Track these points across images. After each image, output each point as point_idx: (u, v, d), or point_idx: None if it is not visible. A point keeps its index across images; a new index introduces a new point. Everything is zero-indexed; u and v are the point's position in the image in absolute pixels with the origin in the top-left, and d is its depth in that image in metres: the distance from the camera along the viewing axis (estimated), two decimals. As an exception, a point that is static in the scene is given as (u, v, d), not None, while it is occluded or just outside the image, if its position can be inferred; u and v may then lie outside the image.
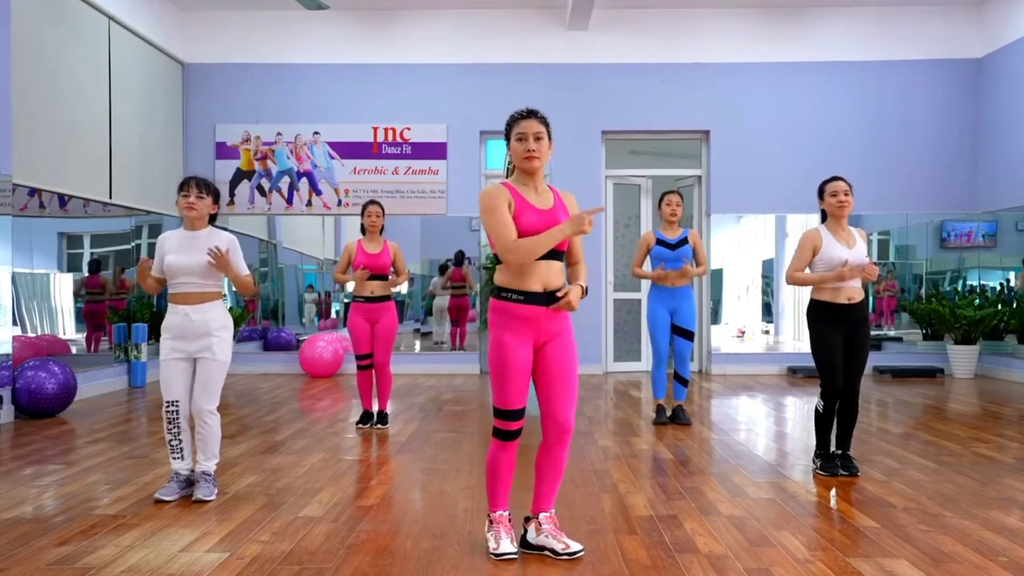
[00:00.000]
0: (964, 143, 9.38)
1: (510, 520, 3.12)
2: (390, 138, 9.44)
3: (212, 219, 4.02)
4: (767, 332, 10.54)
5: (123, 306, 8.22)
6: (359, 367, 5.75)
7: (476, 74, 9.43)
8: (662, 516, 3.59)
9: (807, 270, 4.33)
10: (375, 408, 5.93)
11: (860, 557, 3.04)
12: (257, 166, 9.46)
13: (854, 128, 9.37)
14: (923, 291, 9.70)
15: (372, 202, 5.74)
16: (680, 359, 5.98)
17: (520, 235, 2.89)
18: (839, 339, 4.24)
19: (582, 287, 3.00)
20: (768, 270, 10.45)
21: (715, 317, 9.79)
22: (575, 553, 3.00)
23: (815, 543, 3.21)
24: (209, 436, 3.91)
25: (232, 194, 9.41)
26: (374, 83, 9.46)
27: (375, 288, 5.66)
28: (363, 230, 5.74)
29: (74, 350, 7.54)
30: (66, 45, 7.29)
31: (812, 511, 3.69)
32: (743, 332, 10.38)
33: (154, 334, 8.08)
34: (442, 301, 9.88)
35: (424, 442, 5.29)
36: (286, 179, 9.47)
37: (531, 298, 2.92)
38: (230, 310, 4.10)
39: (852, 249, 4.24)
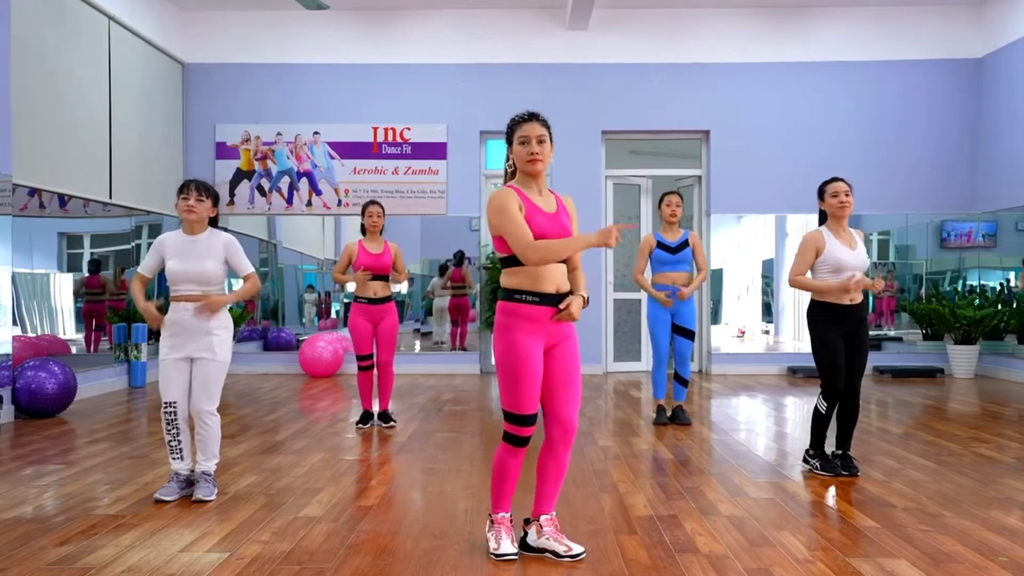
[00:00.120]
0: (964, 143, 9.38)
1: (511, 522, 3.12)
2: (390, 138, 9.44)
3: (212, 222, 4.01)
4: (767, 332, 10.54)
5: (123, 306, 8.22)
6: (360, 368, 5.76)
7: (476, 74, 9.43)
8: (662, 516, 3.59)
9: (808, 273, 4.32)
10: (375, 408, 5.94)
11: (860, 557, 3.04)
12: (257, 166, 9.46)
13: (854, 128, 9.37)
14: (923, 291, 9.71)
15: (373, 202, 5.75)
16: (680, 359, 5.98)
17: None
18: (840, 340, 4.24)
19: (583, 297, 2.99)
20: (768, 270, 10.46)
21: (715, 317, 9.79)
22: (577, 555, 3.00)
23: (815, 543, 3.21)
24: (209, 436, 3.91)
25: (232, 194, 9.42)
26: (374, 83, 9.46)
27: (377, 289, 5.66)
28: (363, 230, 5.74)
29: (74, 350, 7.54)
30: (66, 45, 7.29)
31: (812, 511, 3.69)
32: (743, 332, 10.38)
33: (154, 334, 8.08)
34: (442, 301, 9.89)
35: (424, 442, 5.29)
36: (286, 179, 9.47)
37: (545, 299, 2.92)
38: (230, 310, 4.09)
39: (854, 251, 4.24)
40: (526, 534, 3.11)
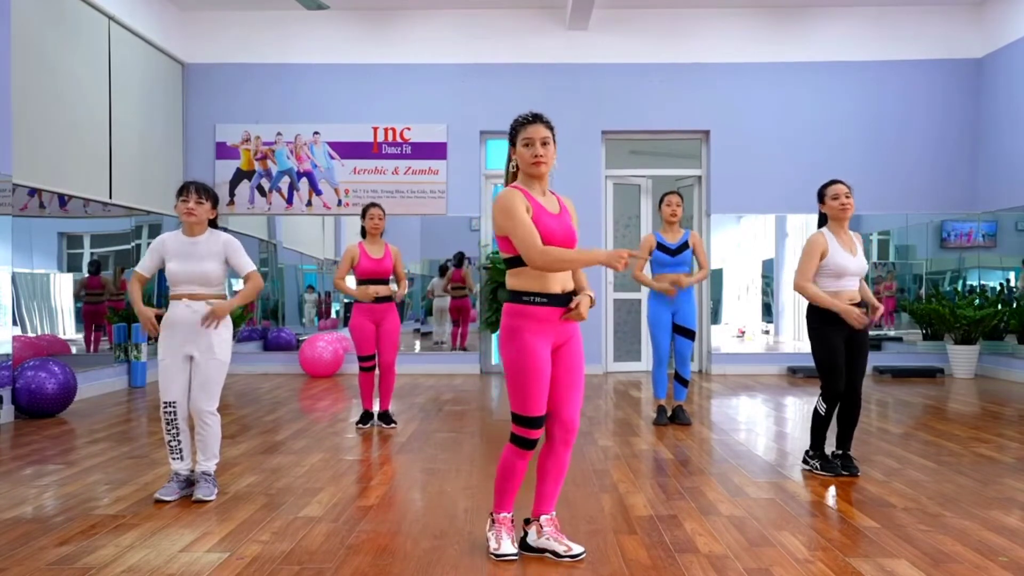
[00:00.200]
0: (964, 143, 9.38)
1: (512, 521, 3.12)
2: (390, 138, 9.44)
3: (212, 223, 4.01)
4: (767, 332, 10.54)
5: (123, 306, 8.22)
6: (362, 368, 5.76)
7: (476, 74, 9.43)
8: (662, 516, 3.59)
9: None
10: (375, 408, 5.94)
11: (860, 557, 3.04)
12: (257, 166, 9.46)
13: (854, 128, 9.37)
14: (923, 291, 9.71)
15: (373, 204, 5.73)
16: (681, 359, 5.98)
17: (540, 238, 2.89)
18: (840, 341, 4.24)
19: (591, 296, 3.00)
20: (768, 270, 10.46)
21: (715, 317, 9.79)
22: (577, 555, 3.00)
23: (815, 543, 3.21)
24: (209, 436, 3.91)
25: (232, 194, 9.42)
26: (374, 83, 9.46)
27: (379, 289, 5.66)
28: (363, 233, 5.74)
29: (74, 350, 7.54)
30: (66, 45, 7.29)
31: (812, 511, 3.69)
32: (743, 332, 10.38)
33: (151, 336, 8.07)
34: (442, 302, 9.89)
35: (424, 442, 5.29)
36: (286, 179, 9.47)
37: (553, 300, 2.92)
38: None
39: (855, 257, 4.23)
40: (526, 534, 3.11)
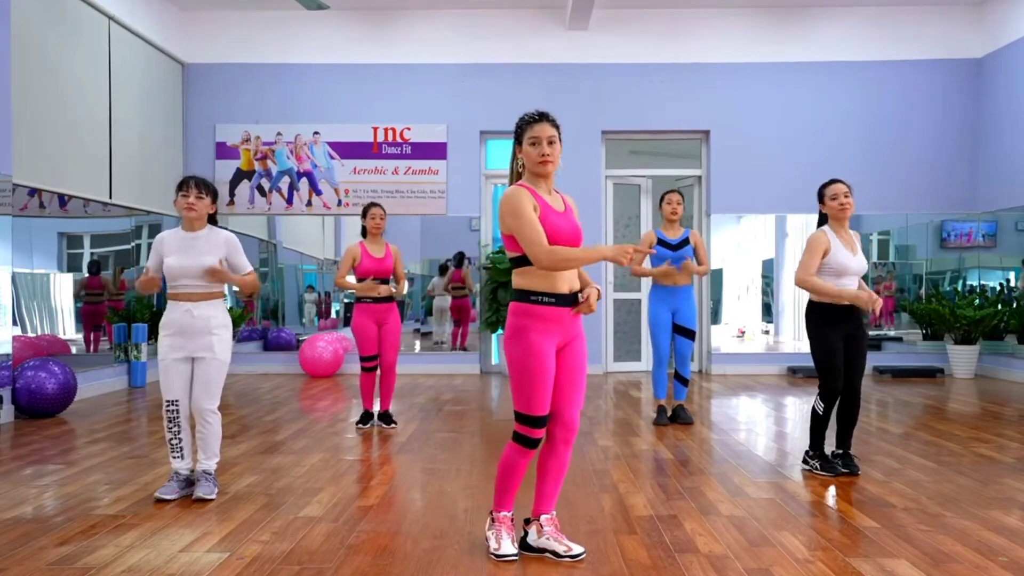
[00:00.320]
0: (964, 143, 9.38)
1: (512, 521, 3.12)
2: (390, 138, 9.44)
3: (212, 219, 4.01)
4: (767, 332, 10.54)
5: (122, 306, 8.22)
6: (364, 368, 5.76)
7: (476, 74, 9.43)
8: (662, 516, 3.59)
9: None
10: (376, 408, 5.94)
11: (860, 557, 3.04)
12: (257, 166, 9.46)
13: (854, 128, 9.37)
14: (923, 291, 9.71)
15: (374, 204, 5.74)
16: (681, 359, 5.98)
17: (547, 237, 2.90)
18: (839, 341, 4.24)
19: (598, 290, 3.01)
20: (768, 270, 10.46)
21: (715, 317, 9.79)
22: (577, 555, 3.00)
23: (815, 543, 3.21)
24: (210, 435, 3.91)
25: (232, 194, 9.42)
26: (374, 83, 9.46)
27: (380, 289, 5.66)
28: (364, 232, 5.74)
29: (74, 350, 7.54)
30: (66, 45, 7.29)
31: (812, 511, 3.70)
32: (743, 332, 10.38)
33: (154, 334, 8.07)
34: (442, 301, 9.89)
35: (424, 442, 5.29)
36: (286, 179, 9.47)
37: (561, 300, 2.93)
38: (230, 310, 4.10)
39: (856, 256, 4.24)
40: (526, 534, 3.11)
